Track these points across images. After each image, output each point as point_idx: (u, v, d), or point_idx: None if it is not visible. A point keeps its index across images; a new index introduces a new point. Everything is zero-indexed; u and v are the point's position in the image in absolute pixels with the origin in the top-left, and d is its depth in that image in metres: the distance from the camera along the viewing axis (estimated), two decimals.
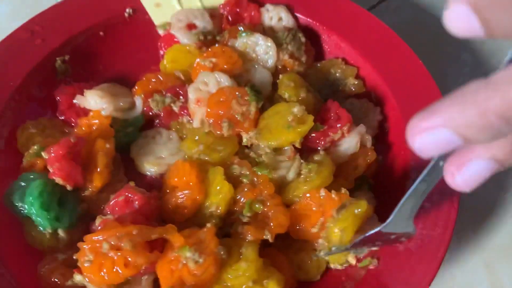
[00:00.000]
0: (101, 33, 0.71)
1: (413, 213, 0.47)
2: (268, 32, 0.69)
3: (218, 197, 0.52)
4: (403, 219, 0.47)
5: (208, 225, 0.51)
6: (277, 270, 0.52)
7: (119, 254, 0.48)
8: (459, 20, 0.25)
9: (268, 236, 0.51)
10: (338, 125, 0.58)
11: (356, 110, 0.65)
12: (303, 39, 0.67)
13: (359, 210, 0.52)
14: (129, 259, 0.48)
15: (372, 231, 0.48)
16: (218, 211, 0.52)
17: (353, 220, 0.52)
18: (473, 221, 0.66)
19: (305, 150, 0.58)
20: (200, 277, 0.48)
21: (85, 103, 0.62)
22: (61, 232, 0.56)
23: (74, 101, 0.63)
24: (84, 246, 0.48)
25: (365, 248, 0.52)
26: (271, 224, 0.52)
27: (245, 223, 0.52)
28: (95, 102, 0.61)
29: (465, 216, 0.64)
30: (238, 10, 0.70)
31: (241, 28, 0.66)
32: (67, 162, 0.54)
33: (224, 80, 0.59)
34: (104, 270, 0.48)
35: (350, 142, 0.59)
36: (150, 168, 0.61)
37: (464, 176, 0.30)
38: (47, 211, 0.54)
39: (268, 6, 0.70)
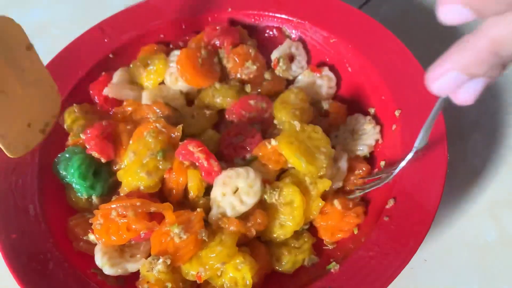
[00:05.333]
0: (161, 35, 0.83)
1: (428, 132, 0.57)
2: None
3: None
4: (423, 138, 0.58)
5: (198, 210, 0.60)
6: (253, 259, 0.58)
7: (124, 220, 0.59)
8: (453, 14, 0.33)
9: (253, 231, 0.59)
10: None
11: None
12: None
13: None
14: (132, 225, 0.59)
15: (409, 156, 0.59)
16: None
17: None
18: (474, 177, 0.70)
19: None
20: (180, 250, 0.57)
21: (117, 94, 0.75)
22: (94, 198, 0.68)
23: (104, 93, 0.75)
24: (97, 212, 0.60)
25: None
26: (252, 222, 0.59)
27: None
28: (127, 93, 0.73)
29: (466, 174, 0.71)
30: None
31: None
32: (100, 140, 0.66)
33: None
34: (111, 231, 0.59)
35: None
36: None
37: (440, 83, 0.37)
38: (84, 180, 0.67)
39: None
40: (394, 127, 0.66)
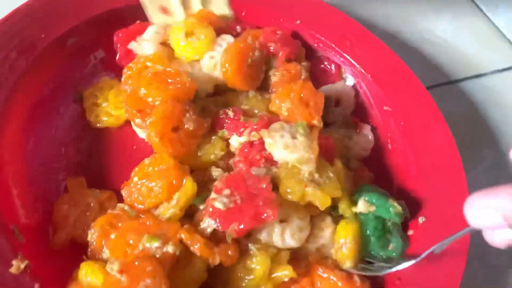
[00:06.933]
0: None
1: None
2: None
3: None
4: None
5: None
6: None
7: None
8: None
9: (217, 259, 0.51)
10: None
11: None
12: None
13: None
14: None
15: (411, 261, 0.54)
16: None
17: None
18: None
19: None
20: None
21: (141, 51, 0.65)
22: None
23: (129, 47, 0.66)
24: None
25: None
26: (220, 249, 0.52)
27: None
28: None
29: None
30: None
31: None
32: None
33: None
34: None
35: None
36: None
37: (476, 213, 0.37)
38: None
39: None
40: (410, 232, 0.60)
